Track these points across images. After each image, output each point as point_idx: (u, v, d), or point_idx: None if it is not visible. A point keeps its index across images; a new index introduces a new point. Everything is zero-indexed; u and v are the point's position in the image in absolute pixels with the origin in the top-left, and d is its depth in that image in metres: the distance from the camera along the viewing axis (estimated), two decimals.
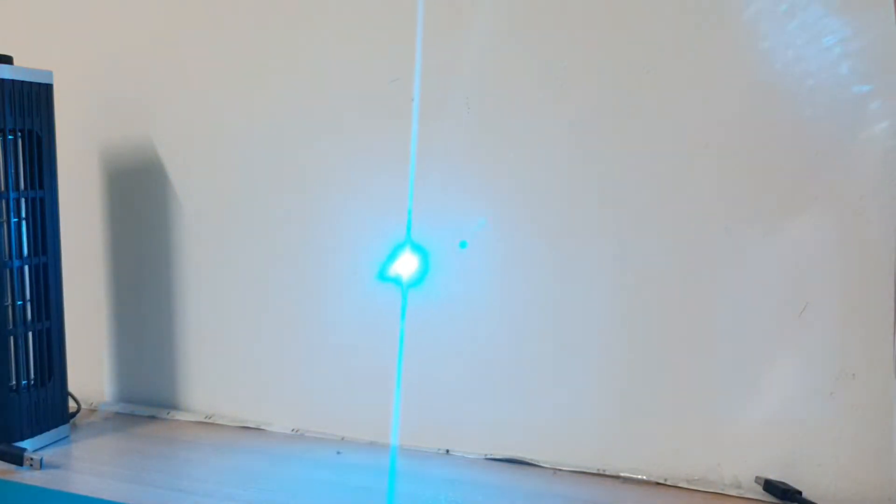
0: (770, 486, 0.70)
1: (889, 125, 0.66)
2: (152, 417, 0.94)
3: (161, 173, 0.93)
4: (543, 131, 0.76)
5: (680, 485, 0.73)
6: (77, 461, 0.80)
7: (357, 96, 0.83)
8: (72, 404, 0.89)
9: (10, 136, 0.79)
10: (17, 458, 0.77)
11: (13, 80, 0.78)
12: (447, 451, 0.82)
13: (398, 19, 0.80)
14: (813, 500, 0.68)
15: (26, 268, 0.82)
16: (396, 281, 0.80)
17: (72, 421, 0.88)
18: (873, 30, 0.66)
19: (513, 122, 0.77)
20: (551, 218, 0.77)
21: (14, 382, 0.81)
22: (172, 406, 0.95)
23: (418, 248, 0.79)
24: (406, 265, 0.80)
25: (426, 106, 0.79)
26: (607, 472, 0.76)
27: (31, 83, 0.80)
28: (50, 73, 0.82)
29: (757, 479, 0.72)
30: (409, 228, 0.78)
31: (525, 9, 0.76)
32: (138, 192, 0.95)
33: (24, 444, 0.80)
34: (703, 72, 0.71)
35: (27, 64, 0.81)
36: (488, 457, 0.80)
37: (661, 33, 0.72)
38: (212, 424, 0.91)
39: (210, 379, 0.94)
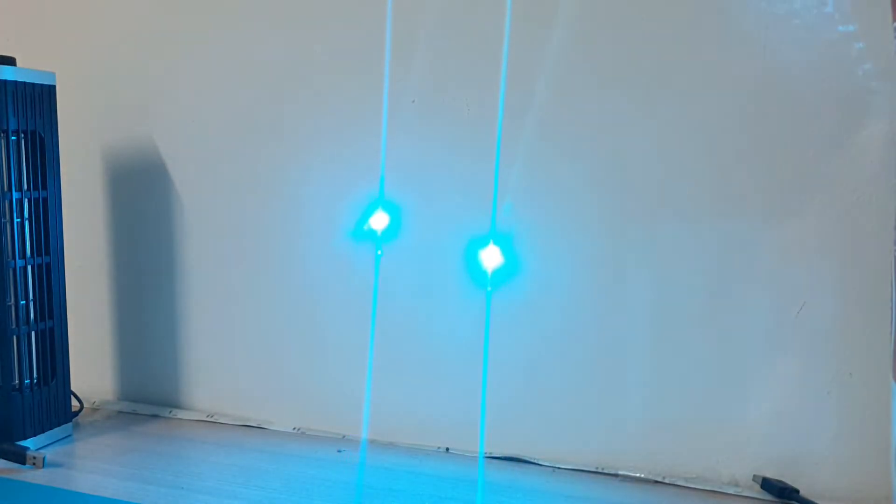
0: (767, 485, 0.71)
1: (888, 122, 0.66)
2: (155, 416, 0.94)
3: (163, 173, 0.94)
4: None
5: (678, 483, 0.74)
6: (79, 460, 0.80)
7: (365, 92, 0.83)
8: (74, 403, 0.89)
9: (13, 137, 0.80)
10: (20, 457, 0.77)
11: (16, 82, 0.79)
12: (447, 449, 0.83)
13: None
14: (810, 499, 0.69)
15: (29, 268, 0.82)
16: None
17: (74, 420, 0.88)
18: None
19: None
20: (546, 210, 0.77)
21: (17, 381, 0.82)
22: (175, 405, 0.96)
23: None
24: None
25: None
26: (606, 471, 0.76)
27: (33, 84, 0.81)
28: (52, 75, 0.83)
29: (754, 478, 0.72)
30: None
31: None
32: (141, 191, 0.96)
33: (27, 442, 0.81)
34: (700, 70, 0.71)
35: (30, 65, 0.81)
36: (487, 455, 0.81)
37: (665, 26, 0.72)
38: (214, 423, 0.92)
39: (212, 378, 0.94)
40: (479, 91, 0.78)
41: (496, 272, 0.78)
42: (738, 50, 0.70)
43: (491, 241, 0.77)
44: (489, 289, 0.77)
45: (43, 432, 0.83)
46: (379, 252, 0.80)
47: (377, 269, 0.81)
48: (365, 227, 0.81)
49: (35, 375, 0.83)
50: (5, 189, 0.79)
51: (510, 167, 0.77)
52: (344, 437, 0.87)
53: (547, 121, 0.76)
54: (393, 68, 0.81)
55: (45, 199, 0.83)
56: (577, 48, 0.75)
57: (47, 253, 0.83)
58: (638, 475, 0.75)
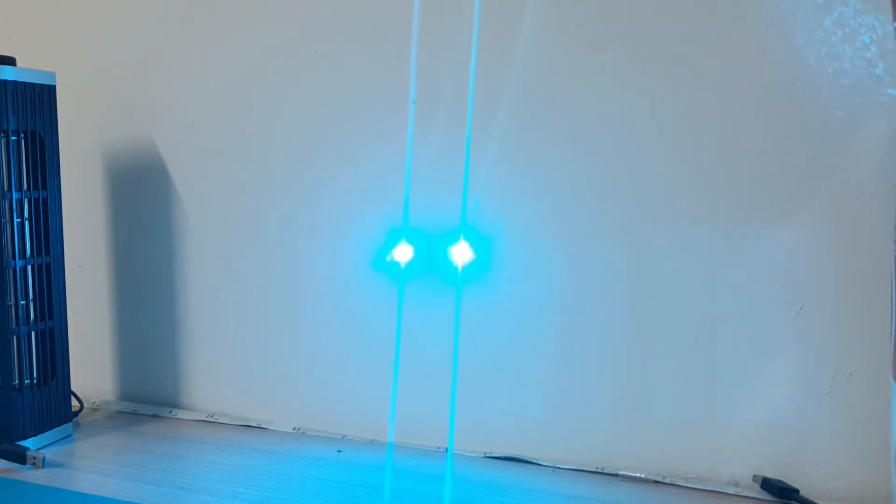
0: (767, 485, 0.71)
1: (888, 122, 0.66)
2: (155, 416, 0.94)
3: (164, 173, 0.94)
4: (548, 128, 0.77)
5: (678, 483, 0.74)
6: (80, 460, 0.80)
7: (361, 95, 0.83)
8: (74, 403, 0.89)
9: (13, 137, 0.80)
10: (20, 457, 0.77)
11: (16, 82, 0.79)
12: (447, 449, 0.83)
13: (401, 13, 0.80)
14: (810, 499, 0.69)
15: (29, 268, 0.82)
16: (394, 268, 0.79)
17: (74, 420, 0.89)
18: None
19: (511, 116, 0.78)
20: (555, 218, 0.77)
21: (17, 381, 0.82)
22: (175, 405, 0.96)
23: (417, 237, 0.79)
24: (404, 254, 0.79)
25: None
26: (606, 471, 0.76)
27: (33, 84, 0.81)
28: (52, 75, 0.83)
29: (755, 478, 0.72)
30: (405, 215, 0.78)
31: None
32: (141, 192, 0.96)
33: (27, 442, 0.81)
34: (705, 69, 0.71)
35: (30, 65, 0.81)
36: (487, 455, 0.81)
37: (666, 27, 0.72)
38: (214, 423, 0.92)
39: (212, 378, 0.94)
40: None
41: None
42: (737, 49, 0.70)
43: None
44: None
45: (43, 432, 0.83)
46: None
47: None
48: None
49: (35, 375, 0.83)
50: (5, 189, 0.79)
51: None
52: (344, 437, 0.87)
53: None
54: (393, 68, 0.81)
55: (45, 199, 0.83)
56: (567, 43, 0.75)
57: (47, 253, 0.83)
58: (638, 475, 0.75)
